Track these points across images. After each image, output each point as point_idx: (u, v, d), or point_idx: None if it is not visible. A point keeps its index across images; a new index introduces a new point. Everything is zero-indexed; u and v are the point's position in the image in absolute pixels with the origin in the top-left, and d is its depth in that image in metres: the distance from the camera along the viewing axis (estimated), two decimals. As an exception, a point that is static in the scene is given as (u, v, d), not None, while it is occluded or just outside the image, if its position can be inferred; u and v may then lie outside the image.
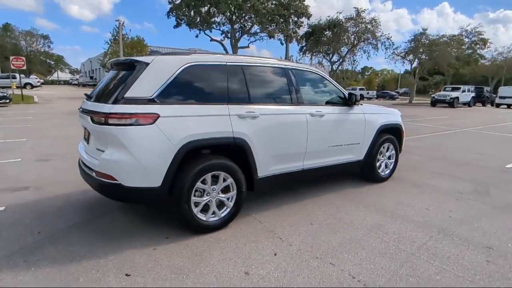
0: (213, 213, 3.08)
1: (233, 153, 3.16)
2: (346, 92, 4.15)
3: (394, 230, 3.19)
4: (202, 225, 2.99)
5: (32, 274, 2.35)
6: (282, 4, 15.52)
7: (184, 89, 2.90)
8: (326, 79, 4.12)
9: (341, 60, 20.79)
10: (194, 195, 2.94)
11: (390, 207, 3.81)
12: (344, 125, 4.09)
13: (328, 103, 4.06)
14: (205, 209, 3.05)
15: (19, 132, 8.71)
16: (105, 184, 2.72)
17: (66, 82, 69.56)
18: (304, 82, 3.90)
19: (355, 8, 18.40)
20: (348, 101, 4.08)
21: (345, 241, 2.95)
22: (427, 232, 3.17)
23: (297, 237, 3.02)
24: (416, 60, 29.20)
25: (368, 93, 40.50)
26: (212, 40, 16.93)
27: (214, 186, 3.04)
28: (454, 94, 25.46)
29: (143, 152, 2.63)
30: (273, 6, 14.92)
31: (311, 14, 16.64)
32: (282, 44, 17.39)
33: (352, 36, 18.71)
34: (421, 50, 26.62)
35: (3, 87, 29.23)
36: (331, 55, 20.56)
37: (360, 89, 41.88)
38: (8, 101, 17.09)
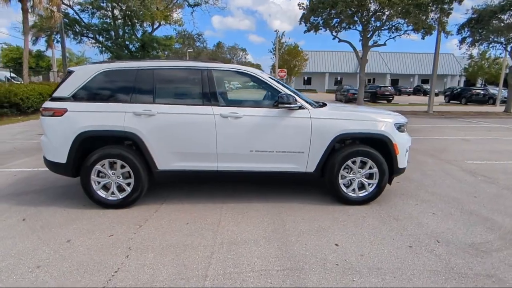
0: (113, 193, 3.68)
1: (136, 145, 3.63)
2: (285, 93, 3.62)
3: (241, 252, 2.74)
4: (102, 201, 3.65)
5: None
6: (424, -10, 12.79)
7: (94, 90, 3.63)
8: (261, 79, 3.75)
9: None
10: (98, 176, 3.65)
11: (291, 230, 3.14)
12: (274, 130, 3.62)
13: (260, 104, 3.72)
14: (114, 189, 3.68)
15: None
16: (43, 157, 3.88)
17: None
18: (226, 83, 3.76)
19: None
20: (286, 103, 3.56)
21: (163, 247, 2.83)
22: (275, 264, 2.56)
23: (141, 231, 3.13)
24: None
25: None
26: (340, 41, 16.18)
27: (112, 171, 3.64)
28: None
29: (54, 136, 3.59)
30: (407, -5, 12.56)
31: (464, -3, 12.72)
32: (423, 38, 14.23)
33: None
34: None
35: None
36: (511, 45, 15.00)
37: None
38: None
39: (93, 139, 3.60)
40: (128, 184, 3.67)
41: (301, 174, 3.75)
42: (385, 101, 27.01)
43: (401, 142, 3.75)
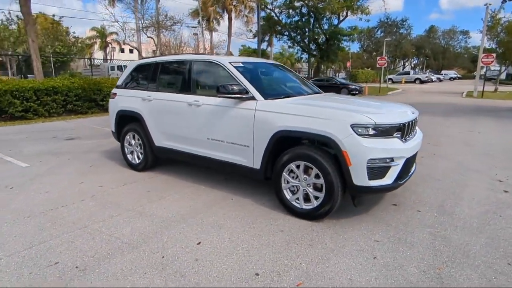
0: (134, 159, 4.84)
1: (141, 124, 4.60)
2: (227, 83, 3.39)
3: (127, 220, 3.13)
4: (129, 163, 4.91)
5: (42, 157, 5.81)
6: None
7: (131, 80, 4.85)
8: (226, 70, 3.65)
9: None
10: (128, 144, 4.92)
11: (196, 219, 3.12)
12: (225, 120, 3.54)
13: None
14: (135, 156, 4.88)
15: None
16: (111, 128, 5.52)
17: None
18: (203, 73, 3.98)
19: None
20: (223, 93, 3.36)
21: (106, 200, 3.60)
22: (126, 239, 2.83)
23: (118, 187, 4.04)
24: None
25: None
26: None
27: (134, 142, 4.78)
28: None
29: (111, 112, 5.11)
30: None
31: None
32: None
33: None
34: None
35: (394, 82, 36.42)
36: None
37: None
38: (357, 92, 21.73)
39: (126, 117, 4.84)
40: (141, 154, 4.73)
41: (248, 169, 3.51)
42: None
43: (359, 150, 2.73)
